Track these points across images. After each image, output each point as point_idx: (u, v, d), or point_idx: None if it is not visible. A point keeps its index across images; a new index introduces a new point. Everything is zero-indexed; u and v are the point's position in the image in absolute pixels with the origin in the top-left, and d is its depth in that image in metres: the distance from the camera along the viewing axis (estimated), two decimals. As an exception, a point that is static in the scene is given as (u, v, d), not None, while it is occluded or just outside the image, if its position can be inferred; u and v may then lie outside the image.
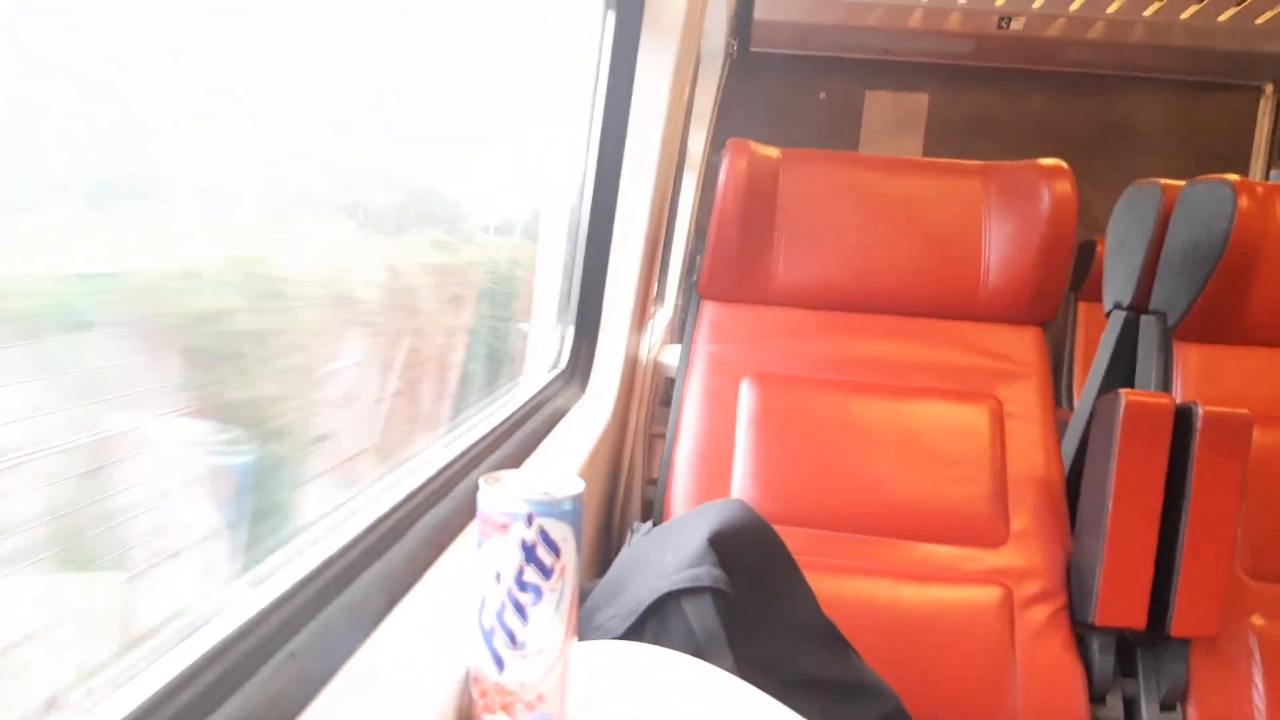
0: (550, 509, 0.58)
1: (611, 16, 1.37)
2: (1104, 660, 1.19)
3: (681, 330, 1.50)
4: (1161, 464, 1.15)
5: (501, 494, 0.58)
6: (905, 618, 1.20)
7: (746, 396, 1.36)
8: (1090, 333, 3.00)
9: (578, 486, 0.60)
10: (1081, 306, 3.02)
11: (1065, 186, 1.35)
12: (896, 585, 1.22)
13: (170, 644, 0.46)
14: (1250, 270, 1.31)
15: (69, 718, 0.45)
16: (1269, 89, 3.29)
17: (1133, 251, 1.44)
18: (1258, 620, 1.22)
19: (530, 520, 0.58)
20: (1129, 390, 1.17)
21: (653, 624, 0.80)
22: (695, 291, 1.48)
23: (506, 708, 0.59)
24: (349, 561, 0.62)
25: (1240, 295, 1.32)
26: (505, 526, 0.58)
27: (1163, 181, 1.42)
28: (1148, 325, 1.42)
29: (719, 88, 3.07)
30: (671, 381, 1.71)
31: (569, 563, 0.59)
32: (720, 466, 1.32)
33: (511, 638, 0.58)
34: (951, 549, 1.26)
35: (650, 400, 1.79)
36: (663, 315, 2.67)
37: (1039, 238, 1.35)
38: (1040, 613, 1.22)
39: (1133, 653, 1.23)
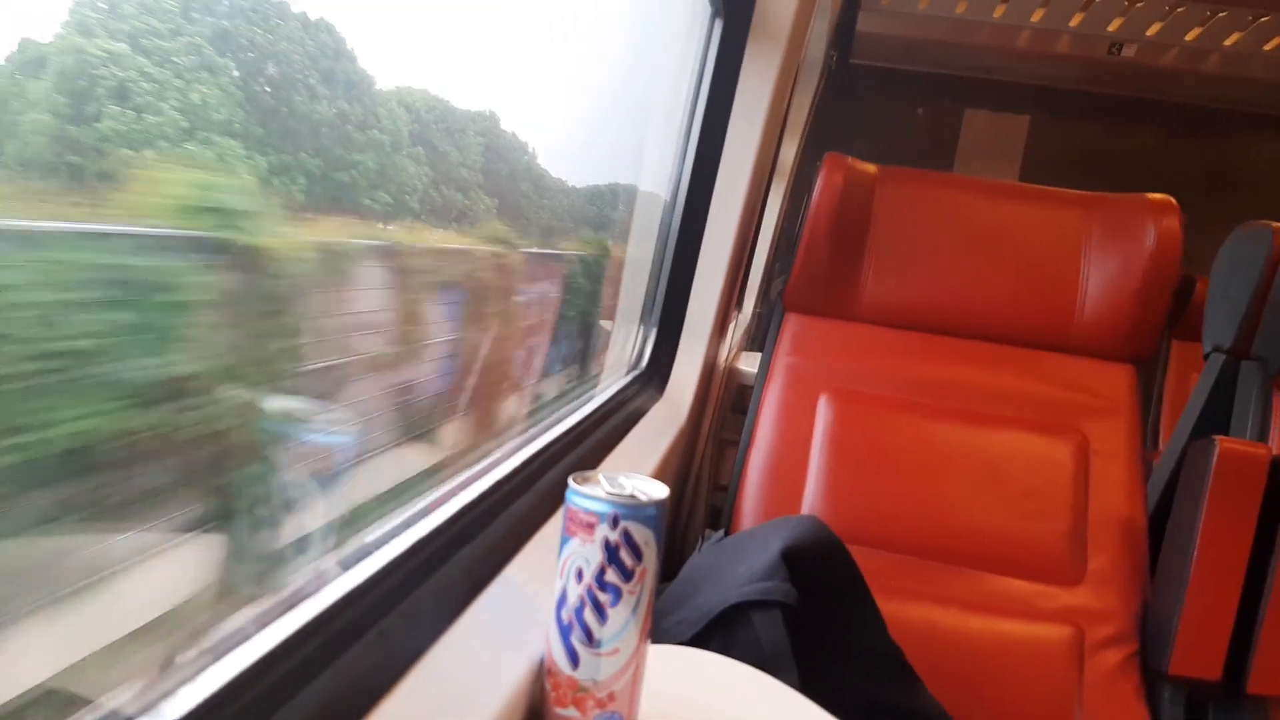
0: (636, 512, 0.59)
1: (719, 24, 1.38)
2: (1174, 711, 1.16)
3: (760, 338, 1.50)
4: (1253, 516, 1.11)
5: (589, 493, 0.59)
6: (972, 649, 1.18)
7: (824, 411, 1.35)
8: (1182, 372, 2.88)
9: (662, 492, 0.61)
10: (1175, 345, 2.91)
11: (1173, 223, 1.31)
12: (965, 615, 1.20)
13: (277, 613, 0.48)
14: None
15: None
16: None
17: (1237, 294, 1.39)
18: None
19: (615, 522, 0.59)
20: (1225, 438, 1.13)
21: (720, 633, 0.81)
22: (779, 301, 1.48)
23: (578, 703, 0.60)
24: (437, 547, 0.64)
25: None
26: (591, 526, 0.59)
27: (1274, 225, 1.36)
28: (1248, 371, 1.37)
29: (815, 97, 3.04)
30: (743, 388, 1.71)
31: (650, 566, 0.60)
32: (793, 479, 1.31)
33: (588, 635, 0.60)
34: (1024, 583, 1.23)
35: (722, 407, 1.79)
36: (740, 322, 2.66)
37: (1140, 273, 1.31)
38: (1111, 656, 1.18)
39: (1204, 706, 1.19)
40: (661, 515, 0.61)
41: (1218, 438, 1.13)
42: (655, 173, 1.53)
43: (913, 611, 1.19)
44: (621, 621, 0.60)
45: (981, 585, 1.24)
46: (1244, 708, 1.15)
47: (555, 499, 0.79)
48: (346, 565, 0.57)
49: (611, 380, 1.39)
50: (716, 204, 1.44)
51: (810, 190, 1.40)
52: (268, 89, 0.82)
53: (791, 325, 1.45)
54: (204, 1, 0.76)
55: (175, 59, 0.70)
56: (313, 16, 0.90)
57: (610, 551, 0.59)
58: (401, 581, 0.58)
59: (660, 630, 0.83)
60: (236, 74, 0.76)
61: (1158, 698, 1.17)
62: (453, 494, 0.72)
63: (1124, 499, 1.28)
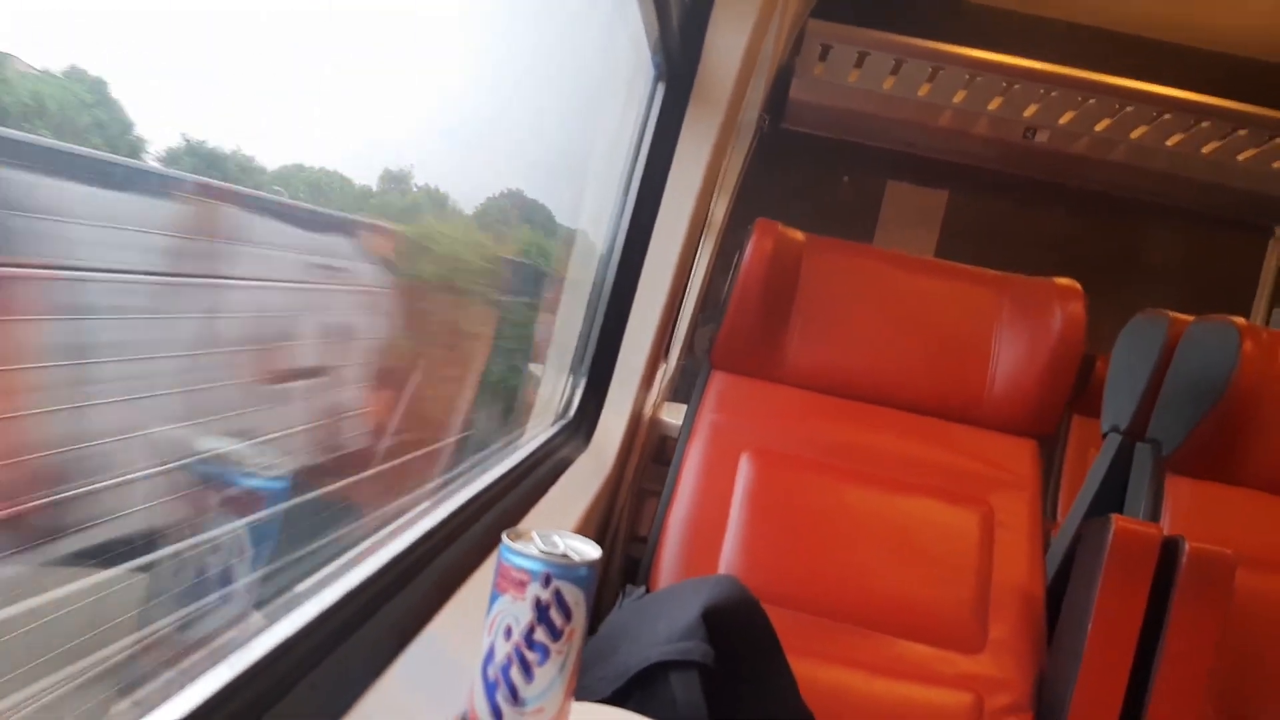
0: (568, 572, 0.60)
1: (661, 87, 1.42)
2: None
3: (686, 389, 1.52)
4: (1144, 593, 1.17)
5: (522, 551, 0.60)
6: (875, 712, 1.20)
7: (745, 470, 1.38)
8: (1081, 446, 3.02)
9: (595, 553, 0.62)
10: (1075, 420, 3.05)
11: (1077, 308, 1.38)
12: (870, 678, 1.23)
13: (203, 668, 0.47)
14: (1249, 412, 1.34)
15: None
16: (1278, 231, 3.37)
17: (1135, 378, 1.48)
18: None
19: (548, 581, 0.59)
20: (1120, 516, 1.19)
21: (638, 691, 0.81)
22: (704, 355, 1.50)
23: (500, 762, 0.60)
24: (366, 599, 0.63)
25: (1237, 435, 1.36)
26: (523, 584, 0.59)
27: (1170, 314, 1.46)
28: (1142, 452, 1.45)
29: (747, 158, 3.13)
30: (665, 439, 1.73)
31: (579, 627, 0.61)
32: (712, 536, 1.33)
33: (514, 693, 0.60)
34: (928, 648, 1.27)
35: (643, 457, 1.81)
36: (665, 372, 2.69)
37: (1046, 354, 1.39)
38: (1008, 724, 1.23)
39: None
40: (593, 576, 0.62)
41: (1113, 516, 1.19)
42: (592, 225, 1.55)
43: (822, 674, 1.22)
44: (548, 681, 0.60)
45: (888, 649, 1.27)
46: None
47: (481, 552, 0.79)
48: (274, 618, 0.56)
49: (539, 430, 1.40)
50: (651, 257, 1.47)
51: (741, 252, 1.44)
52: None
53: (717, 383, 1.48)
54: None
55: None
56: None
57: (541, 610, 0.60)
58: (330, 635, 0.58)
59: (580, 686, 0.83)
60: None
61: None
62: (381, 545, 0.71)
63: (1025, 570, 1.33)
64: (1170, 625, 1.15)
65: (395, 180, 1.05)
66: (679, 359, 3.09)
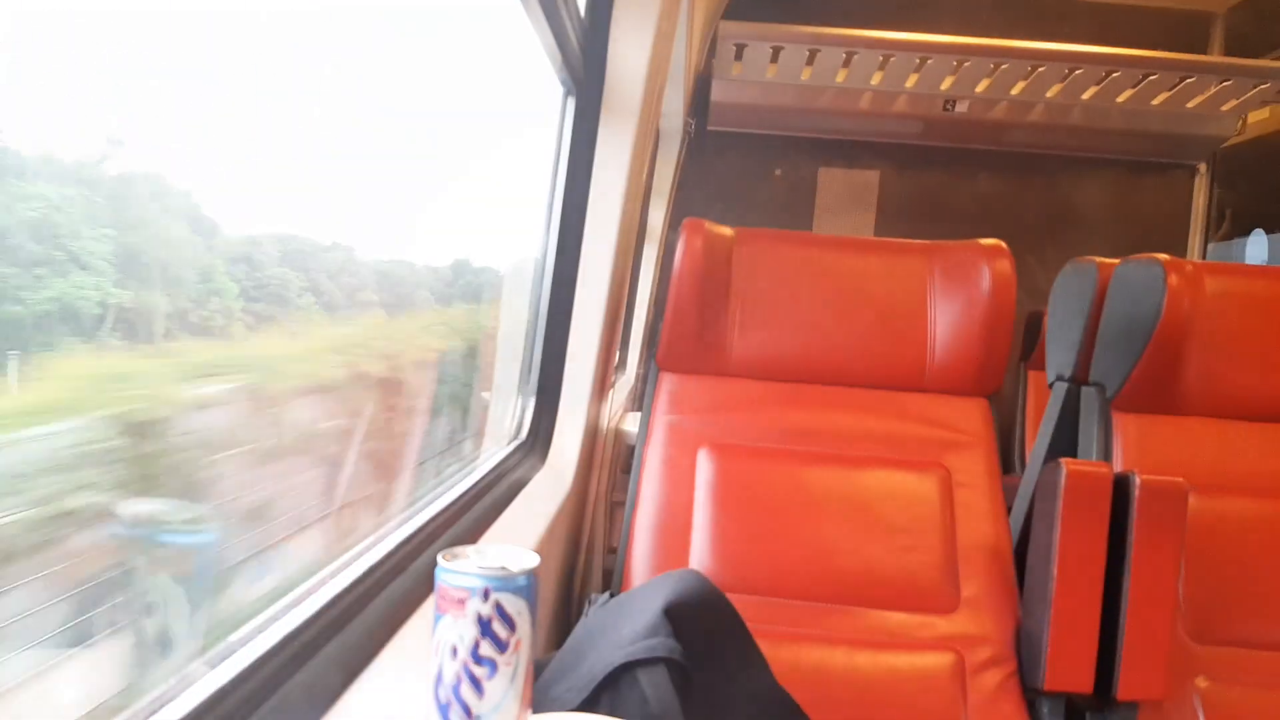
0: (506, 584, 0.60)
1: (571, 101, 1.43)
2: None
3: (642, 398, 1.53)
4: (1102, 531, 1.19)
5: (458, 569, 0.60)
6: (861, 685, 1.21)
7: (704, 466, 1.38)
8: (1039, 401, 3.07)
9: (533, 561, 0.62)
10: (1031, 375, 3.11)
11: (1004, 265, 1.41)
12: (851, 653, 1.24)
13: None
14: (1181, 344, 1.38)
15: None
16: (1202, 168, 3.46)
17: (1072, 326, 1.51)
18: (1202, 682, 1.25)
19: (486, 595, 0.59)
20: (1070, 460, 1.22)
21: (608, 696, 0.81)
22: (654, 362, 1.51)
23: (461, 782, 0.60)
24: (308, 638, 0.63)
25: (1172, 368, 1.39)
26: (462, 602, 0.59)
27: (1098, 260, 1.49)
28: (1088, 396, 1.48)
29: (678, 164, 3.16)
30: (631, 449, 1.74)
31: (524, 636, 0.61)
32: (679, 535, 1.34)
33: (467, 711, 0.59)
34: (904, 615, 1.28)
35: (611, 468, 1.81)
36: (624, 383, 2.70)
37: (981, 314, 1.41)
38: (991, 678, 1.24)
39: (1082, 716, 1.25)
40: (534, 584, 0.62)
41: (1064, 460, 1.22)
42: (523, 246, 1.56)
43: (803, 654, 1.22)
44: (500, 693, 0.60)
45: (865, 621, 1.28)
46: (1119, 714, 1.22)
47: (429, 581, 0.78)
48: (214, 663, 0.55)
49: (490, 452, 1.39)
50: (585, 270, 1.47)
51: (672, 254, 1.45)
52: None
53: (666, 384, 1.48)
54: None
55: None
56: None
57: (483, 625, 0.59)
58: (271, 675, 0.57)
59: (549, 699, 0.82)
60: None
61: (1038, 713, 1.23)
62: (322, 583, 0.71)
63: (989, 526, 1.35)
64: (1132, 557, 1.17)
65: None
66: (639, 368, 3.10)
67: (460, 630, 0.59)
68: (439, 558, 0.60)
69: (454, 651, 0.60)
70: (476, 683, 0.60)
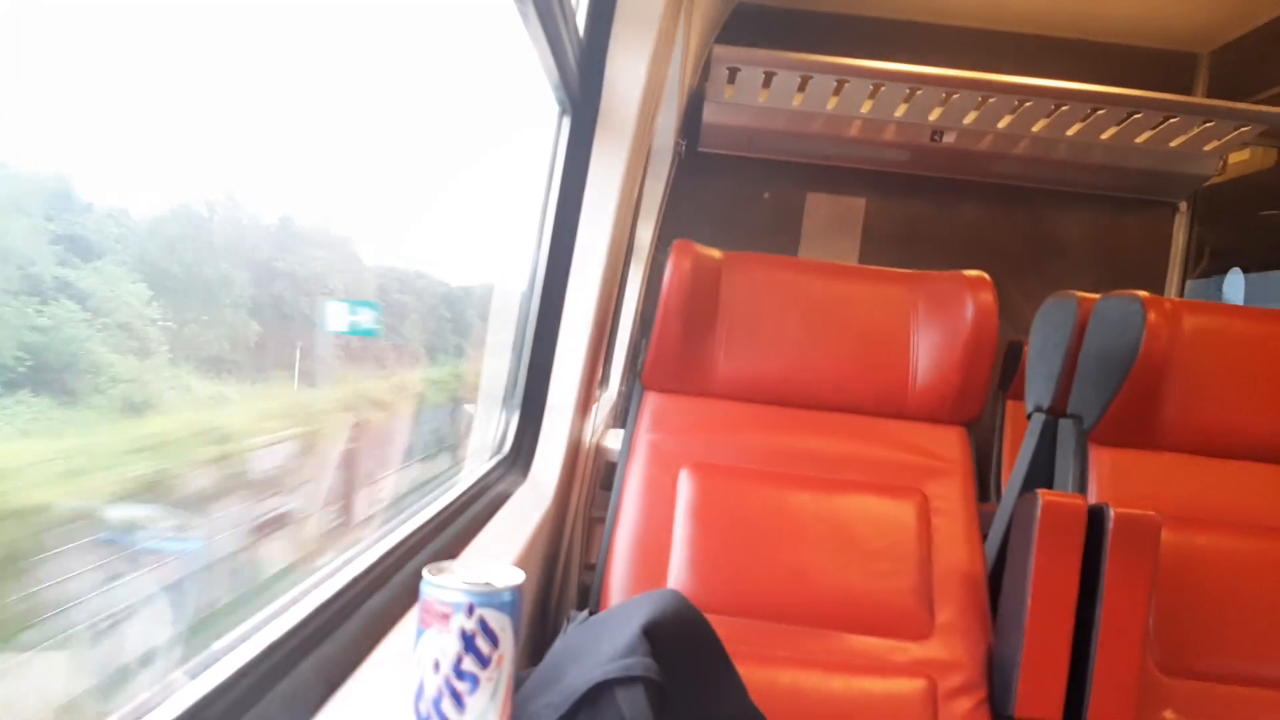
0: (490, 600, 0.61)
1: (567, 120, 1.45)
2: None
3: (624, 415, 1.54)
4: (1076, 562, 1.21)
5: (443, 584, 0.60)
6: (834, 709, 1.22)
7: (685, 486, 1.39)
8: (1017, 430, 3.10)
9: (518, 578, 0.63)
10: (1010, 405, 3.14)
11: (987, 297, 1.43)
12: (826, 676, 1.25)
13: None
14: (1159, 380, 1.40)
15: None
16: (1183, 206, 3.51)
17: (1052, 359, 1.53)
18: (1170, 715, 1.27)
19: (470, 611, 0.60)
20: (1046, 491, 1.24)
21: (586, 713, 0.81)
22: (639, 380, 1.52)
23: (439, 796, 0.60)
24: (289, 649, 0.63)
25: (1149, 402, 1.41)
26: (446, 616, 0.60)
27: (1079, 294, 1.52)
28: (1065, 428, 1.50)
29: (668, 183, 3.19)
30: (613, 466, 1.74)
31: (507, 652, 0.62)
32: (658, 554, 1.34)
33: (448, 726, 0.60)
34: (878, 640, 1.29)
35: (591, 485, 1.81)
36: (606, 399, 2.70)
37: (963, 344, 1.43)
38: (963, 704, 1.25)
39: None
40: (518, 601, 0.62)
41: (1040, 491, 1.23)
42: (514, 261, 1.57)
43: (779, 677, 1.23)
44: (480, 709, 0.61)
45: (840, 645, 1.29)
46: None
47: (411, 594, 0.79)
48: (194, 673, 0.56)
49: (473, 466, 1.40)
50: (573, 287, 1.49)
51: (661, 274, 1.47)
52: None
53: (650, 403, 1.49)
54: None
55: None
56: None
57: (467, 640, 0.60)
58: (252, 686, 0.57)
59: (527, 714, 0.83)
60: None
61: None
62: (304, 594, 0.71)
63: (964, 553, 1.37)
64: (1105, 588, 1.19)
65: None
66: (621, 384, 3.11)
67: (443, 644, 0.60)
68: (424, 572, 0.60)
69: (436, 665, 0.60)
70: (458, 697, 0.60)
